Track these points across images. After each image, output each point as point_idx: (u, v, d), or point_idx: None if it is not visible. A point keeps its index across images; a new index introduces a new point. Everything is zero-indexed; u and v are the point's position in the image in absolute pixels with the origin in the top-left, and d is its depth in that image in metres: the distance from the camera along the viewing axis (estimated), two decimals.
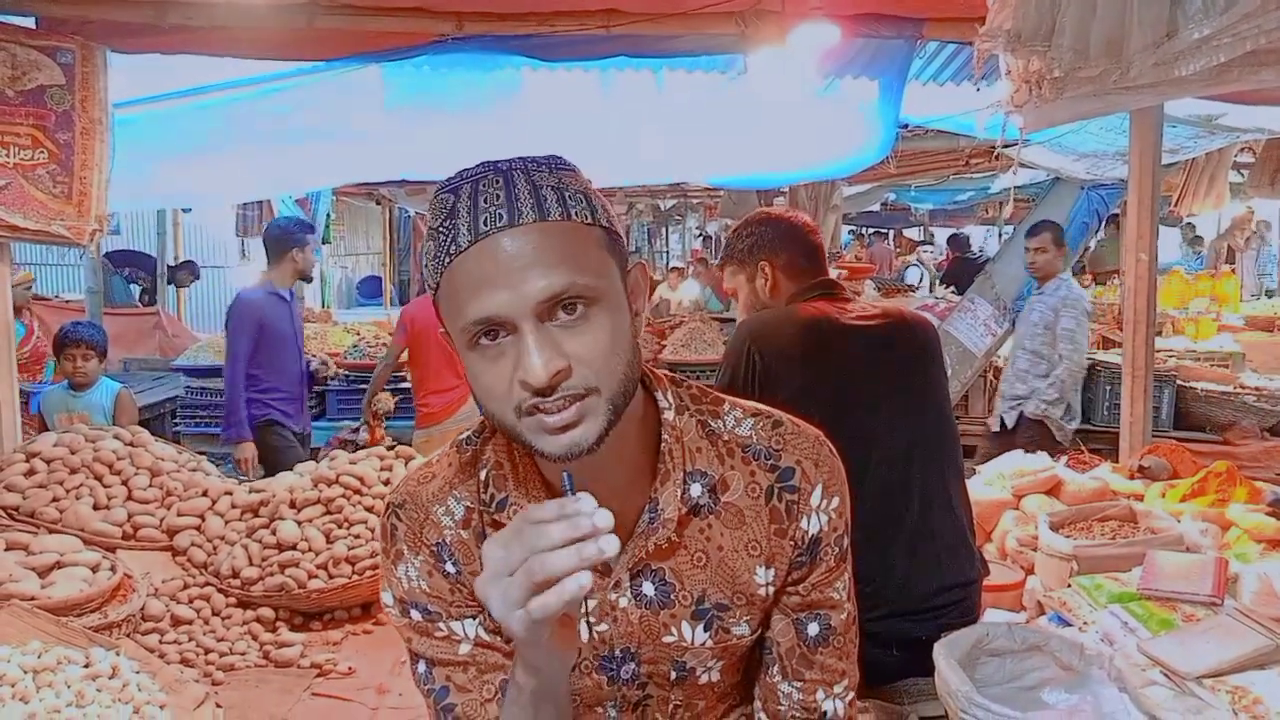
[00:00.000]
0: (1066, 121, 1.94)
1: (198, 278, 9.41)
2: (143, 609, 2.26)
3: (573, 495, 0.82)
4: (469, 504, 1.03)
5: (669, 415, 1.01)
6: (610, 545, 0.80)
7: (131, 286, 9.12)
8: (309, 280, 4.56)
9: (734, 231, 2.24)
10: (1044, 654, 1.69)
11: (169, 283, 8.97)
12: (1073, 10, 1.52)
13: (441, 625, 1.03)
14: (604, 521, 0.80)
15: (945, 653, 1.62)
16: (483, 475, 1.03)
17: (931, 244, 14.99)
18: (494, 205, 0.89)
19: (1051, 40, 1.55)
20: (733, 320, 7.26)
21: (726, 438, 1.03)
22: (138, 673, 1.91)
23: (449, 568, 1.02)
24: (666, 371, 1.06)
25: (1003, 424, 4.79)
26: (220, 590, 2.44)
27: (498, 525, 1.01)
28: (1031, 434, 4.47)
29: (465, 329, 0.89)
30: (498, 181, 0.90)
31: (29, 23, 2.97)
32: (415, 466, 1.09)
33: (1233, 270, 9.23)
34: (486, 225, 0.88)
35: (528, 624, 0.81)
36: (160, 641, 2.23)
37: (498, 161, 0.92)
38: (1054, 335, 4.63)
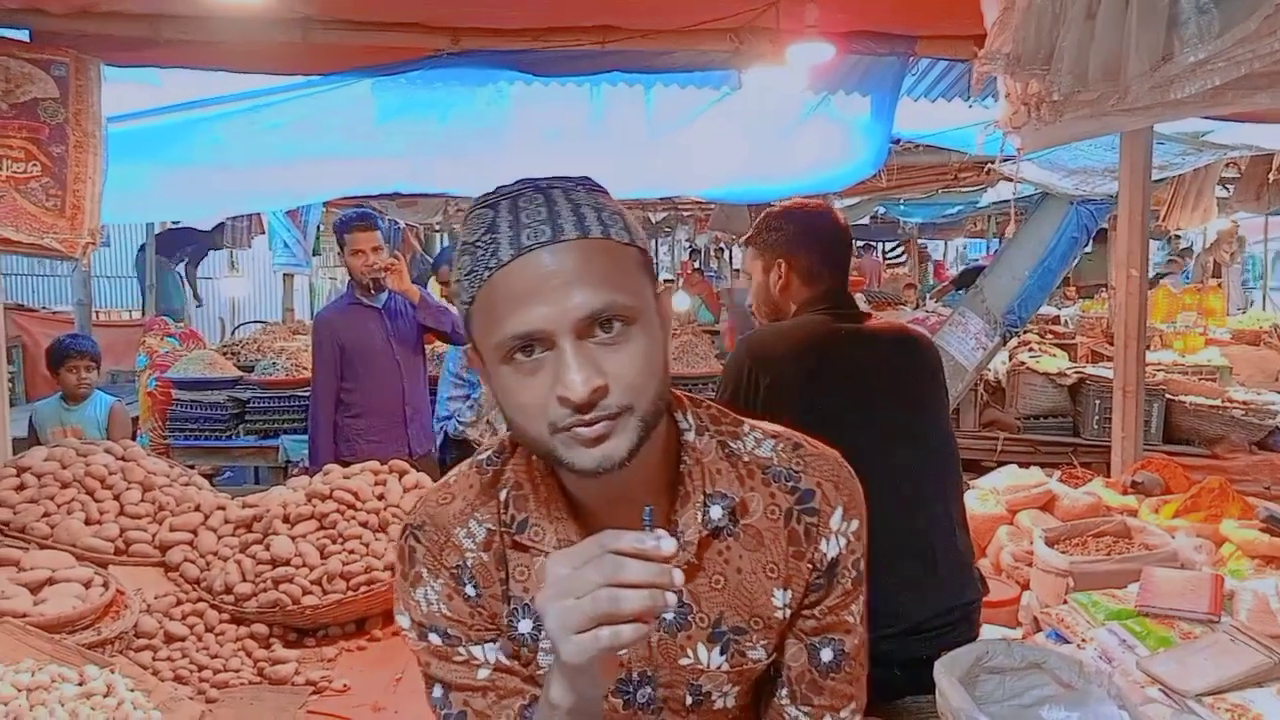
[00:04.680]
0: (1064, 142, 1.97)
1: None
2: (135, 626, 2.23)
3: (652, 532, 0.81)
4: (490, 526, 1.01)
5: (689, 436, 1.00)
6: (674, 600, 0.80)
7: (180, 277, 8.98)
8: (361, 286, 3.90)
9: (766, 217, 2.19)
10: (1043, 671, 1.69)
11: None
12: (1072, 35, 1.54)
13: (461, 650, 1.01)
14: (679, 578, 0.80)
15: (946, 670, 1.62)
16: (503, 496, 1.01)
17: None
18: (536, 221, 0.89)
19: (1051, 64, 1.56)
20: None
21: (747, 459, 1.02)
22: (132, 691, 1.89)
23: (469, 590, 1.01)
24: (686, 392, 1.06)
25: (437, 442, 4.79)
26: (213, 606, 2.42)
27: (519, 547, 1.00)
28: (458, 454, 4.47)
29: (502, 343, 0.88)
30: (538, 198, 0.90)
31: (23, 36, 2.96)
32: (432, 487, 1.08)
33: (1219, 285, 9.30)
34: (529, 240, 0.88)
35: (583, 650, 0.80)
36: (153, 659, 2.20)
37: (536, 179, 0.92)
38: None
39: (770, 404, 1.85)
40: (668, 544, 0.80)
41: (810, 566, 1.02)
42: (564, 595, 0.80)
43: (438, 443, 4.62)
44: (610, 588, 0.79)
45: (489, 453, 1.05)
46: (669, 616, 1.00)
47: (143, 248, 7.96)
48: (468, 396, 4.80)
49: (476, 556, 1.01)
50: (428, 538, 1.02)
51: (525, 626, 1.01)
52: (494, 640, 1.02)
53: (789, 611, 1.03)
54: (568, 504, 0.99)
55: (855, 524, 1.03)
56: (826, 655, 1.05)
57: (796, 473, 1.02)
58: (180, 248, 9.24)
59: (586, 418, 0.87)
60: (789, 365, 1.91)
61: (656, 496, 0.98)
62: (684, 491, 0.99)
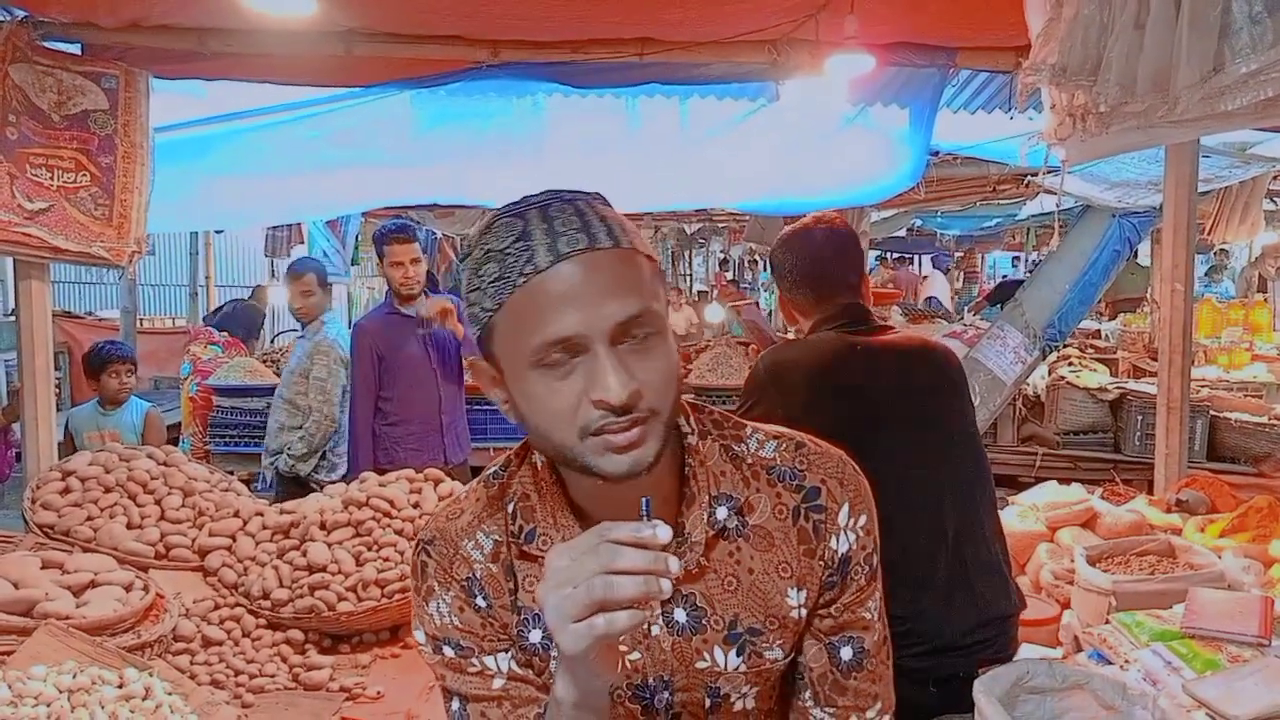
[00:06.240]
0: (1110, 154, 1.94)
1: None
2: (174, 629, 2.27)
3: (649, 521, 0.83)
4: (497, 537, 1.04)
5: (692, 440, 1.02)
6: (668, 586, 0.81)
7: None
8: (400, 297, 3.93)
9: (776, 244, 2.20)
10: (1085, 693, 1.66)
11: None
12: (1120, 45, 1.52)
13: (474, 660, 1.03)
14: (675, 565, 0.82)
15: (985, 690, 1.59)
16: (510, 508, 1.04)
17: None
18: (571, 229, 0.91)
19: (1098, 75, 1.54)
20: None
21: (750, 461, 1.04)
22: (170, 694, 1.92)
23: (480, 602, 1.03)
24: (688, 398, 1.07)
25: (268, 481, 4.40)
26: (250, 611, 2.45)
27: (527, 557, 1.02)
28: (291, 491, 3.90)
29: (538, 348, 0.90)
30: (567, 209, 0.93)
31: (75, 49, 3.04)
32: (444, 503, 1.10)
33: (1265, 299, 9.10)
34: (566, 247, 0.90)
35: (579, 639, 0.81)
36: (191, 663, 2.24)
37: (559, 192, 0.95)
38: (309, 383, 4.25)
39: (786, 419, 1.84)
40: (663, 531, 0.82)
41: (823, 564, 1.03)
42: (562, 585, 0.82)
43: (269, 482, 4.36)
44: (605, 575, 0.80)
45: (496, 467, 1.08)
46: (681, 618, 1.02)
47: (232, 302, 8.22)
48: (299, 427, 4.25)
49: (485, 568, 1.03)
50: (437, 551, 1.04)
51: (536, 636, 1.02)
52: (506, 650, 1.03)
53: (804, 611, 1.04)
54: (574, 513, 1.01)
55: (864, 519, 1.04)
56: (846, 654, 1.05)
57: (801, 471, 1.03)
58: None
59: (622, 420, 0.89)
60: (801, 381, 1.90)
61: (664, 502, 1.00)
62: (689, 494, 1.01)
